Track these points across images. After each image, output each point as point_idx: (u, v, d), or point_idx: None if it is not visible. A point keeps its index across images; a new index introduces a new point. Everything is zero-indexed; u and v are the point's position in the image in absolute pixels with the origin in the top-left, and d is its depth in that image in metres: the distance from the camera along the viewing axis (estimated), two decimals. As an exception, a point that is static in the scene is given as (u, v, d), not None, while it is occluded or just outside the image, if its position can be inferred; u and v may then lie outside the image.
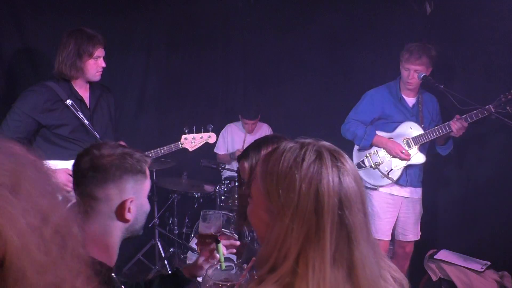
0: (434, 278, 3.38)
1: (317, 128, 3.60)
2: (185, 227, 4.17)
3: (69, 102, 2.77)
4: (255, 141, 1.87)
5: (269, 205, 1.01)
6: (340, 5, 3.95)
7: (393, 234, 3.49)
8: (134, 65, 4.13)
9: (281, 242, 0.96)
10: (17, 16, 3.35)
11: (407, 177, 3.35)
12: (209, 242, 1.79)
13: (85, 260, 0.72)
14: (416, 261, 3.67)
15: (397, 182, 3.33)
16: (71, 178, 2.65)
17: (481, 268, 3.28)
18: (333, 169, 0.98)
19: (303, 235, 0.95)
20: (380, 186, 3.35)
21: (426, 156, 3.35)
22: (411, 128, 3.30)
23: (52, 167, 2.49)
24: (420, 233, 3.50)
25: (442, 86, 3.14)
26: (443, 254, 3.46)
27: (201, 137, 3.17)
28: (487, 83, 3.43)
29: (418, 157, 3.31)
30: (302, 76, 4.33)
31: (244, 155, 1.80)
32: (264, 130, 4.42)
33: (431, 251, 3.53)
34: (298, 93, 4.36)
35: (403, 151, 3.25)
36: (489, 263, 3.34)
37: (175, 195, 4.07)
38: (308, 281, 0.93)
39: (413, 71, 3.20)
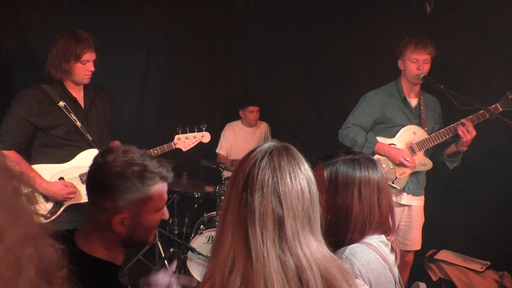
0: (434, 278, 3.39)
1: (317, 129, 3.59)
2: (185, 227, 4.16)
3: (62, 103, 2.70)
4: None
5: None
6: (341, 5, 3.95)
7: None
8: (134, 65, 4.13)
9: None
10: (17, 16, 3.35)
11: (409, 183, 3.13)
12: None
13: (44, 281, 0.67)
14: (416, 261, 3.67)
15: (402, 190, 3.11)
16: (68, 190, 2.65)
17: (481, 268, 3.28)
18: (262, 155, 1.05)
19: (226, 203, 1.06)
20: None
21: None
22: (414, 133, 3.08)
23: (47, 173, 2.40)
24: (421, 242, 3.28)
25: (442, 87, 3.06)
26: (443, 254, 3.46)
27: (194, 137, 3.09)
28: (488, 83, 3.43)
29: (424, 163, 3.08)
30: (302, 76, 4.33)
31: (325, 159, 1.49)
32: (263, 127, 4.44)
33: (431, 251, 3.54)
34: (298, 93, 4.36)
35: (408, 158, 3.02)
36: (489, 263, 3.34)
37: (175, 195, 4.06)
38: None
39: (422, 61, 3.02)
